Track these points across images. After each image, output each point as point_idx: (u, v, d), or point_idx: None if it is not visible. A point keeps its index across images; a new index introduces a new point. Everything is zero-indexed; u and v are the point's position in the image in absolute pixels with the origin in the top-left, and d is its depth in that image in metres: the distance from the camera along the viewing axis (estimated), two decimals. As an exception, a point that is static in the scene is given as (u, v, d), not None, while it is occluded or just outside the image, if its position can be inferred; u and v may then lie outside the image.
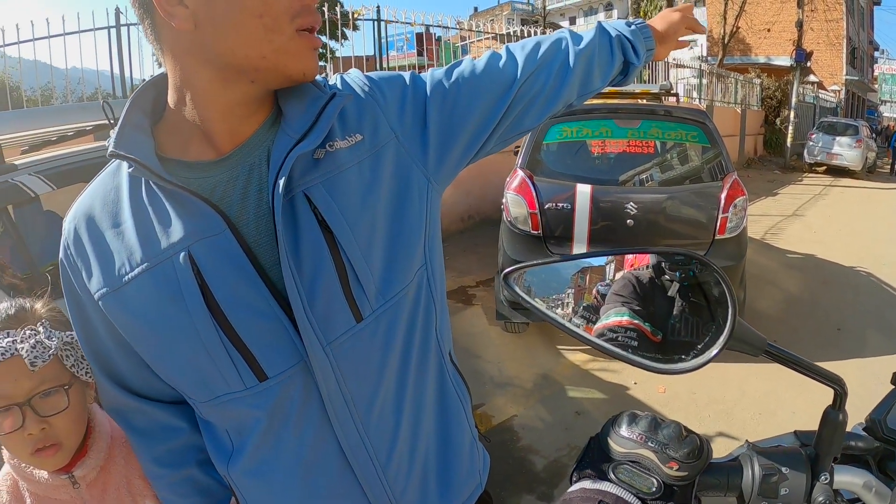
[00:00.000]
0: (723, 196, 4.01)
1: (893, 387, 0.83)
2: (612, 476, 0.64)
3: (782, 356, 0.68)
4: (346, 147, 0.87)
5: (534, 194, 3.96)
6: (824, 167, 16.82)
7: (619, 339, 0.70)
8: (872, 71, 43.13)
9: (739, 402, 3.77)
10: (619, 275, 0.74)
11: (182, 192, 0.80)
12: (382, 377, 0.90)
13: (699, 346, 0.67)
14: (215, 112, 0.83)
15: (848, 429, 0.81)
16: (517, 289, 0.75)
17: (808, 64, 19.68)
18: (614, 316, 0.70)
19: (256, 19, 0.77)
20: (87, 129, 2.89)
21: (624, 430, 0.67)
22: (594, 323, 0.72)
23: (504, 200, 4.18)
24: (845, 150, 16.42)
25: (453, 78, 0.98)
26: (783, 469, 0.68)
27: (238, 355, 0.82)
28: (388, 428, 0.92)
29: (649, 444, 0.65)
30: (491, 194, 7.40)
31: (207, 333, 0.81)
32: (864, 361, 4.31)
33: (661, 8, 15.17)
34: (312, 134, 0.83)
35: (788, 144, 18.25)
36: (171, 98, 0.86)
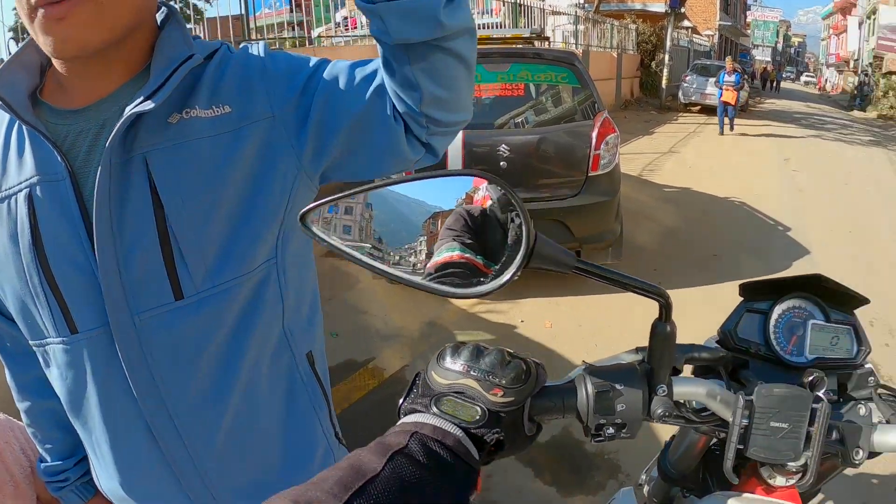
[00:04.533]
0: (594, 134, 4.12)
1: (742, 299, 0.85)
2: (434, 409, 0.62)
3: (596, 272, 0.66)
4: (208, 117, 0.84)
5: (406, 143, 3.91)
6: (699, 107, 17.73)
7: (450, 273, 0.67)
8: (745, 17, 45.66)
9: (625, 330, 3.94)
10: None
11: (36, 134, 0.81)
12: (199, 364, 0.87)
13: (496, 268, 0.65)
14: (65, 67, 0.83)
15: (701, 341, 0.83)
16: (314, 229, 0.68)
17: (683, 10, 20.47)
18: (446, 252, 0.67)
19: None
20: None
21: (447, 362, 0.65)
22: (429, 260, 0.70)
23: (378, 151, 4.11)
24: (718, 91, 17.30)
25: (350, 79, 0.90)
26: (617, 386, 0.67)
27: (55, 302, 0.83)
28: (205, 418, 0.90)
29: (472, 373, 0.63)
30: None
31: (32, 275, 0.83)
32: (739, 283, 4.59)
33: None
34: (156, 95, 0.80)
35: (664, 86, 19.08)
36: None
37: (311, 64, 0.93)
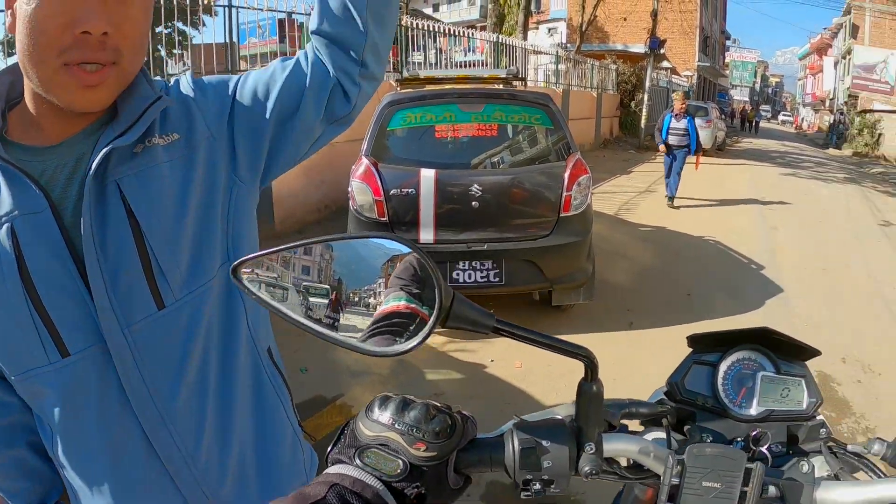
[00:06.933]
0: (566, 175, 4.16)
1: (690, 350, 0.84)
2: (357, 461, 0.63)
3: (517, 333, 0.66)
4: (163, 144, 0.93)
5: (378, 181, 3.94)
6: (677, 146, 17.96)
7: (394, 323, 0.67)
8: (724, 58, 46.83)
9: (593, 371, 3.92)
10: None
11: (12, 170, 0.85)
12: (185, 366, 0.94)
13: (411, 328, 0.65)
14: (44, 108, 0.89)
15: (650, 394, 0.84)
16: (246, 283, 0.68)
17: (662, 51, 20.92)
18: (393, 301, 0.68)
19: (29, 48, 0.81)
20: None
21: (375, 414, 0.65)
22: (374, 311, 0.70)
23: (350, 188, 4.14)
24: (697, 130, 17.48)
25: (259, 82, 1.03)
26: (543, 442, 0.68)
27: (44, 329, 0.87)
28: (193, 418, 0.96)
29: (396, 426, 0.64)
30: (344, 183, 7.26)
31: (18, 304, 0.86)
32: (713, 322, 4.63)
33: (520, 4, 15.51)
34: (131, 131, 0.89)
35: (643, 126, 19.33)
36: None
37: (232, 82, 1.04)
